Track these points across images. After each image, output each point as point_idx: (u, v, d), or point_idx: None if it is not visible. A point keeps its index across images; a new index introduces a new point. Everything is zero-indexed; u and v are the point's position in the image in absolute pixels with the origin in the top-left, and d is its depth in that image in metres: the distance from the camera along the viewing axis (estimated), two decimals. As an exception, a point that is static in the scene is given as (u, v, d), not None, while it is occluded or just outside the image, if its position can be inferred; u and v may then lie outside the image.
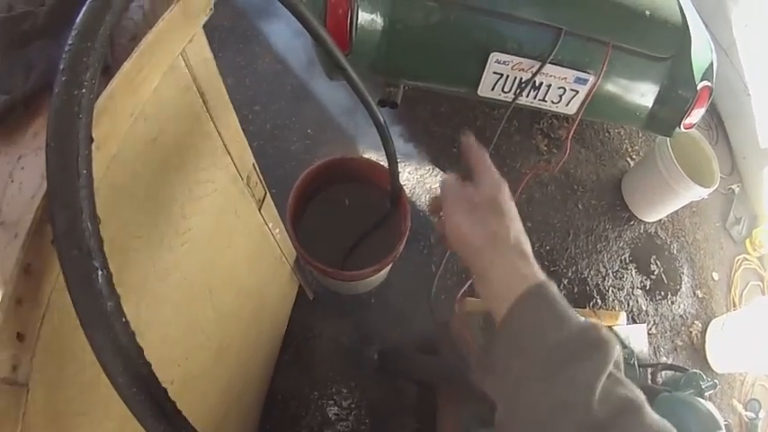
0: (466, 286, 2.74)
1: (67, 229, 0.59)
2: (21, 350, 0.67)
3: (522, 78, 2.64)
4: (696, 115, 2.92)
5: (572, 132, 2.89)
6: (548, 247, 3.49)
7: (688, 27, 2.90)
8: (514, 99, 2.70)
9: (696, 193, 3.38)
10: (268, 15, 3.70)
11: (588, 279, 3.48)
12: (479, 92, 2.70)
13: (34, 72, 0.77)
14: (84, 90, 0.61)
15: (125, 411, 0.94)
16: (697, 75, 2.80)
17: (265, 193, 1.59)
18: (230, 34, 3.52)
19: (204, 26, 0.98)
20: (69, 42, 0.63)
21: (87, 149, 0.61)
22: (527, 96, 2.73)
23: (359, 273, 2.14)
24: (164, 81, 0.87)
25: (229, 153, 1.24)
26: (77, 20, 0.64)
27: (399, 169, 3.07)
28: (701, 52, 2.87)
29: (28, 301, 0.67)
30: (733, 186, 4.47)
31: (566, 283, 3.40)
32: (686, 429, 1.39)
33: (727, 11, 4.51)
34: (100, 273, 0.59)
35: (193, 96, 1.02)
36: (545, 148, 3.83)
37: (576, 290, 3.40)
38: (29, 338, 0.68)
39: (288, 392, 2.61)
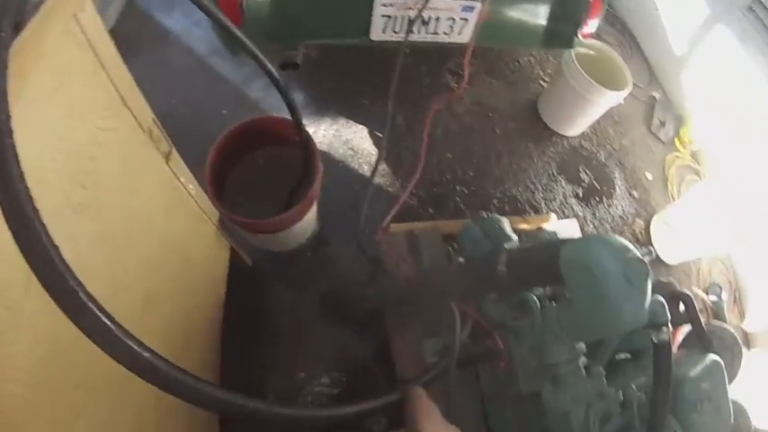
0: (390, 216, 2.91)
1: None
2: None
3: (410, 16, 2.78)
4: (592, 25, 3.06)
5: (468, 55, 3.06)
6: (471, 173, 3.66)
7: (572, -61, 3.02)
8: (406, 37, 2.82)
9: (610, 98, 3.57)
10: (170, 12, 3.83)
11: (518, 196, 3.67)
12: (372, 37, 2.86)
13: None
14: (2, 34, 0.84)
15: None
16: (587, -15, 2.92)
17: (171, 149, 1.77)
18: (139, 39, 3.62)
19: (115, 36, 1.28)
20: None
21: (4, 79, 0.83)
22: (419, 33, 2.88)
23: (278, 219, 2.33)
24: (63, 42, 1.11)
25: (128, 106, 1.45)
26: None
27: (314, 128, 3.27)
28: (589, -36, 2.98)
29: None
30: (653, 93, 4.71)
31: (495, 203, 3.58)
32: (601, 265, 1.37)
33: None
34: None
35: (88, 54, 1.24)
36: (456, 86, 4.00)
37: (507, 208, 3.59)
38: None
39: (242, 357, 2.74)
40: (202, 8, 1.46)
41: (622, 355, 2.23)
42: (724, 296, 3.79)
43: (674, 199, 4.24)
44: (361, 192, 3.30)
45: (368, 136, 3.55)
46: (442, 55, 3.85)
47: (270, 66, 1.80)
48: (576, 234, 2.89)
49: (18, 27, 0.95)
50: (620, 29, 4.96)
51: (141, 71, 1.31)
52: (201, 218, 2.21)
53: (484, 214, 2.53)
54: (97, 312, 0.79)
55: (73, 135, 1.20)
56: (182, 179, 1.90)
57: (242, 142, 2.55)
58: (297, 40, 2.88)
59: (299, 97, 3.52)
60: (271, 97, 3.59)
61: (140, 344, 0.83)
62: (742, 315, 3.96)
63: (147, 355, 0.83)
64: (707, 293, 3.81)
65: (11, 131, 0.80)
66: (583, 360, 1.87)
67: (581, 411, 1.81)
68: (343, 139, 3.53)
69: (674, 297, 2.34)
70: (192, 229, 2.15)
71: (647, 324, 1.69)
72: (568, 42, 3.17)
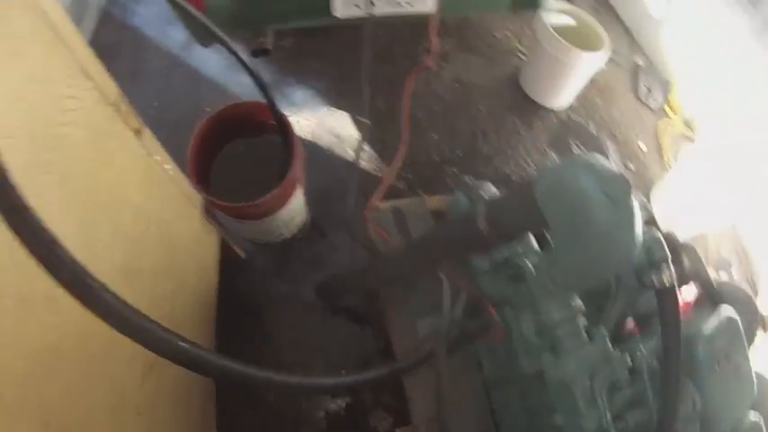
0: (376, 194, 2.95)
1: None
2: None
3: (371, -11, 2.82)
4: None
5: (436, 25, 3.09)
6: (460, 153, 3.70)
7: None
8: (368, 9, 2.89)
9: (589, 61, 3.61)
10: (147, 18, 3.93)
11: (510, 173, 3.69)
12: (335, 13, 2.90)
13: None
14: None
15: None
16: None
17: (141, 126, 1.82)
18: (117, 48, 3.70)
19: (95, 46, 1.34)
20: None
21: None
22: (381, 4, 2.92)
23: (260, 201, 2.37)
24: (19, 12, 1.18)
25: (90, 77, 1.49)
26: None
27: (297, 117, 3.33)
28: None
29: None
30: (636, 60, 4.72)
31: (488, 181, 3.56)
32: (577, 185, 1.35)
33: None
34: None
35: (43, 25, 1.30)
36: (427, 55, 3.98)
37: (500, 187, 3.55)
38: None
39: (238, 351, 2.77)
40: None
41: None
42: (734, 273, 3.79)
43: (670, 167, 4.23)
44: (350, 180, 3.29)
45: (351, 122, 3.60)
46: (416, 33, 3.85)
47: (231, 43, 1.87)
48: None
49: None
50: (596, -4, 4.99)
51: (122, 78, 1.39)
52: (183, 200, 2.26)
53: (468, 181, 2.55)
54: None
55: (37, 98, 1.25)
56: (157, 157, 1.95)
57: (223, 131, 2.61)
58: (260, 24, 2.96)
59: (278, 89, 3.57)
60: (252, 90, 3.63)
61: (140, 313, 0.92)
62: (755, 294, 3.88)
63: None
64: (717, 270, 3.81)
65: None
66: (583, 321, 1.85)
67: (585, 380, 1.76)
68: (326, 127, 3.57)
69: (676, 250, 2.26)
70: (173, 210, 2.19)
71: (644, 264, 1.68)
72: (536, 2, 3.20)
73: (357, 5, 2.89)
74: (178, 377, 2.10)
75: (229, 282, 2.82)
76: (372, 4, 2.88)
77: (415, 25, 3.02)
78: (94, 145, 1.56)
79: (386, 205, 2.80)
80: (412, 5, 2.99)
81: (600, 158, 1.40)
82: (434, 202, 2.85)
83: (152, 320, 0.94)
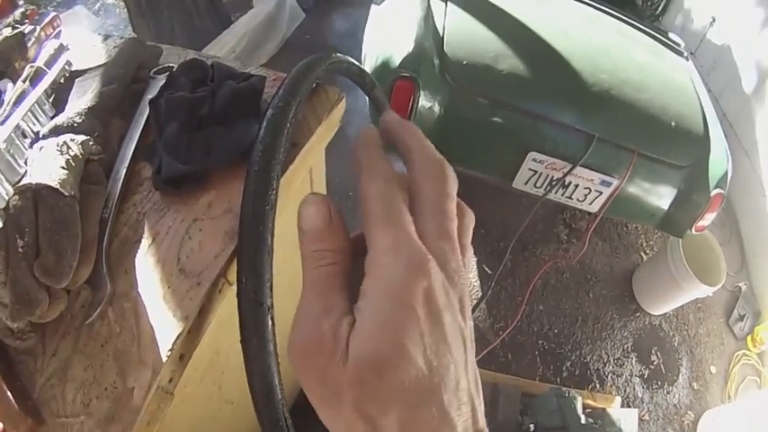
0: (476, 358, 2.87)
1: (255, 291, 0.79)
2: (178, 367, 0.88)
3: (553, 177, 2.85)
4: (708, 219, 3.07)
5: (592, 228, 3.05)
6: (555, 331, 3.63)
7: (709, 138, 3.09)
8: (544, 195, 2.91)
9: (701, 290, 3.50)
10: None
11: (590, 364, 3.60)
12: (514, 184, 2.92)
13: (213, 153, 0.99)
14: (273, 191, 0.83)
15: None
16: (711, 182, 2.96)
17: None
18: None
19: None
20: (259, 149, 0.84)
21: (272, 236, 0.83)
22: (556, 193, 2.93)
23: None
24: (296, 181, 1.13)
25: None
26: (263, 132, 0.86)
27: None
28: (718, 162, 3.03)
29: (193, 333, 0.88)
30: (740, 284, 4.54)
31: (568, 365, 3.53)
32: None
33: (752, 113, 4.70)
34: (270, 323, 0.80)
35: (306, 180, 1.29)
36: (565, 237, 4.03)
37: (577, 372, 3.52)
38: (185, 360, 0.89)
39: None
40: (377, 103, 1.46)
41: None
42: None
43: (729, 398, 4.04)
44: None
45: (474, 266, 3.55)
46: (559, 204, 3.85)
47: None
48: (633, 425, 2.82)
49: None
50: (725, 209, 4.81)
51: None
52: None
53: (564, 391, 2.49)
54: None
55: (279, 254, 1.21)
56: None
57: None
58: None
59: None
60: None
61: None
62: None
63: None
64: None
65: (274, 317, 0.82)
66: None
67: None
68: (454, 258, 3.48)
69: None
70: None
71: None
72: (681, 232, 3.18)
73: (536, 186, 2.92)
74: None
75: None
76: (550, 190, 2.87)
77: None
78: (293, 283, 1.52)
79: (487, 377, 2.75)
80: (581, 203, 3.01)
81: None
82: (527, 385, 2.82)
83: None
